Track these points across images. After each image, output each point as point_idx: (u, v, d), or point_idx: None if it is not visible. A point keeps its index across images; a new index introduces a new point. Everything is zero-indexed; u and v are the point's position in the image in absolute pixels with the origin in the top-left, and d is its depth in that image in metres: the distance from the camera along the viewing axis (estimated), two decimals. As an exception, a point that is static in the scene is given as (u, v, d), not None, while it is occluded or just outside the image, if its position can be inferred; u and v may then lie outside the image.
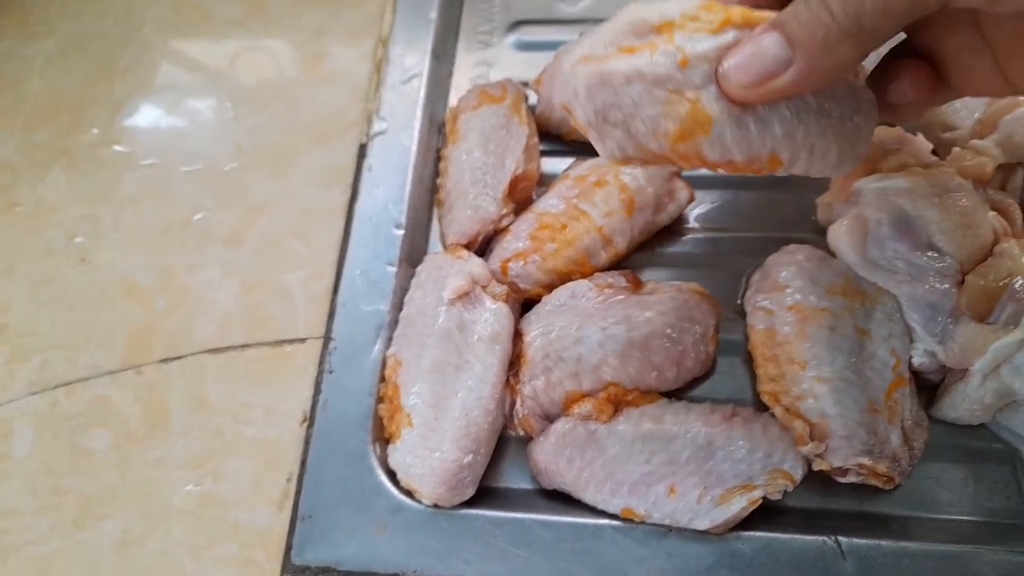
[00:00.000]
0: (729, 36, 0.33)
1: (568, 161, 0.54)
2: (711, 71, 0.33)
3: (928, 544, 0.42)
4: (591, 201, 0.50)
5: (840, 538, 0.43)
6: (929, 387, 0.46)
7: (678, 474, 0.43)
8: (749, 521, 0.43)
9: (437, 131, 0.57)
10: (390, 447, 0.46)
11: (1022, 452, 0.45)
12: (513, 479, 0.48)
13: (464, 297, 0.47)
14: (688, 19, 0.34)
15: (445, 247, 0.52)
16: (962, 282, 0.45)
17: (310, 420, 0.48)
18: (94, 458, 0.48)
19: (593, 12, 0.60)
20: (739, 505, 0.42)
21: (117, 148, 0.58)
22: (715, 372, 0.49)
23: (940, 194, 0.45)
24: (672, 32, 0.34)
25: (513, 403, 0.47)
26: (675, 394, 0.48)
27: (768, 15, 0.33)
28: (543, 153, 0.56)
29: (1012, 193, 0.49)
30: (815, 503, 0.46)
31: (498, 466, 0.48)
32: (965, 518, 0.44)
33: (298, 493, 0.47)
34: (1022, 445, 0.45)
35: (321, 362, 0.50)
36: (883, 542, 0.42)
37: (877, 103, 0.38)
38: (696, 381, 0.48)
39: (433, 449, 0.45)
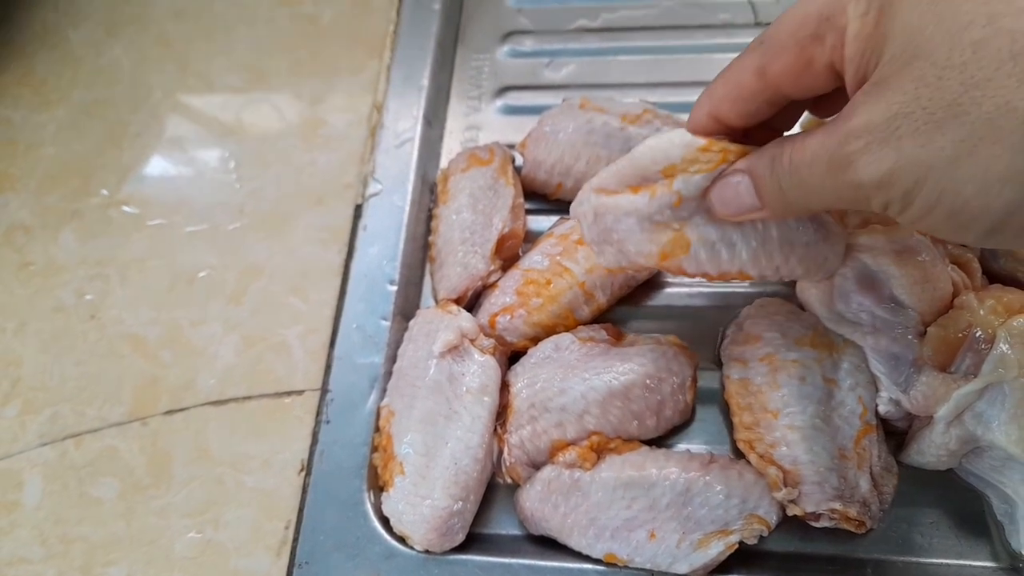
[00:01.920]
0: (719, 172, 0.39)
1: (553, 219, 0.57)
2: (699, 205, 0.40)
3: (898, 586, 0.44)
4: (573, 258, 0.52)
5: (814, 581, 0.44)
6: (898, 434, 0.49)
7: (658, 519, 0.45)
8: (728, 565, 0.45)
9: (429, 192, 0.60)
10: (384, 495, 0.49)
11: (987, 496, 0.47)
12: (502, 525, 0.50)
13: (453, 350, 0.50)
14: (688, 162, 0.39)
15: (436, 302, 0.55)
16: (924, 333, 0.47)
17: (307, 469, 0.50)
18: (101, 507, 0.50)
19: (576, 78, 0.64)
20: (716, 550, 0.44)
21: (125, 209, 0.61)
22: (694, 420, 0.51)
23: (900, 251, 0.48)
24: (674, 176, 0.40)
25: (501, 452, 0.49)
26: (656, 442, 0.50)
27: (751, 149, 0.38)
28: (529, 212, 0.59)
29: (971, 248, 0.51)
30: (792, 547, 0.47)
31: (488, 513, 0.50)
32: (937, 561, 0.46)
33: (295, 540, 0.49)
34: (987, 489, 0.47)
35: (318, 413, 0.52)
36: (855, 585, 0.44)
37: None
38: (676, 429, 0.51)
39: (424, 497, 0.47)
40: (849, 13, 0.31)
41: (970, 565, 0.46)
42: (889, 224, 0.49)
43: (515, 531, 0.49)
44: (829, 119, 0.34)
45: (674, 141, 0.39)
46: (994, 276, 0.51)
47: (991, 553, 0.46)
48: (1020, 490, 0.45)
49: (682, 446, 0.51)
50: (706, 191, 0.39)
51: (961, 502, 0.47)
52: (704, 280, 0.43)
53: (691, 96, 0.60)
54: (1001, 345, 0.44)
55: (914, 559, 0.46)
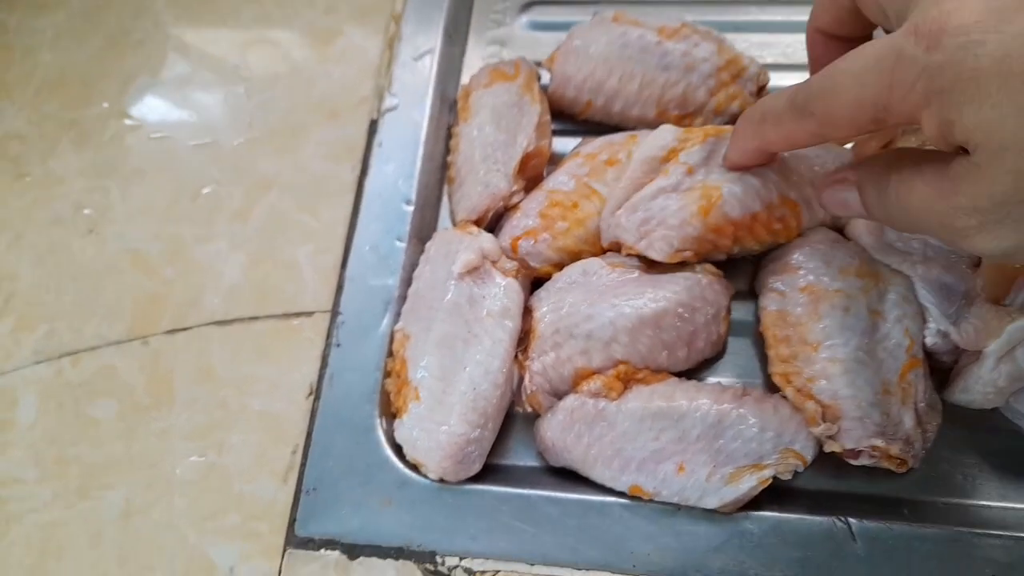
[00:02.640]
0: (710, 143, 0.47)
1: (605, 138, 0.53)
2: (706, 163, 0.46)
3: (940, 528, 0.42)
4: (602, 179, 0.49)
5: (851, 519, 0.42)
6: (942, 372, 0.46)
7: (687, 452, 0.43)
8: (758, 501, 0.43)
9: (449, 109, 0.56)
10: (396, 421, 0.46)
11: (1035, 436, 0.44)
12: (520, 456, 0.47)
13: (474, 272, 0.47)
14: (683, 142, 0.47)
15: (455, 224, 0.52)
16: (978, 264, 0.44)
17: (316, 393, 0.48)
18: (99, 428, 0.48)
19: (614, -7, 0.60)
20: (749, 484, 0.42)
21: (127, 121, 0.58)
22: (726, 353, 0.49)
23: (957, 175, 0.44)
24: (677, 154, 0.47)
25: (521, 379, 0.46)
26: (686, 375, 0.47)
27: (730, 128, 0.45)
28: (555, 132, 0.55)
29: None
30: (826, 485, 0.45)
31: (505, 443, 0.47)
32: (979, 503, 0.44)
33: (303, 466, 0.46)
34: (1036, 430, 0.44)
35: (329, 336, 0.49)
36: (894, 525, 0.42)
37: None
38: (707, 362, 0.48)
39: (440, 423, 0.44)
40: None
41: (1014, 508, 0.43)
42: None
43: (533, 462, 0.47)
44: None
45: (665, 133, 0.48)
46: None
47: (1036, 497, 0.44)
48: (1072, 431, 0.42)
49: (713, 379, 0.48)
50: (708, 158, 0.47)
51: (1006, 443, 0.45)
52: (757, 243, 0.47)
53: (729, 15, 0.58)
54: (1061, 277, 0.41)
55: (954, 500, 0.44)
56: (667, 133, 0.49)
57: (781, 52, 0.56)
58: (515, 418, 0.48)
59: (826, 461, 0.43)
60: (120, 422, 0.48)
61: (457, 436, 0.44)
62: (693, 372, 0.48)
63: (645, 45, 0.52)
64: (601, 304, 0.45)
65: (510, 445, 0.48)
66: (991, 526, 0.42)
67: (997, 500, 0.44)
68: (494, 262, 0.47)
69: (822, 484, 0.45)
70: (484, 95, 0.53)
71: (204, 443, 0.47)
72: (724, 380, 0.48)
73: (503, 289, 0.46)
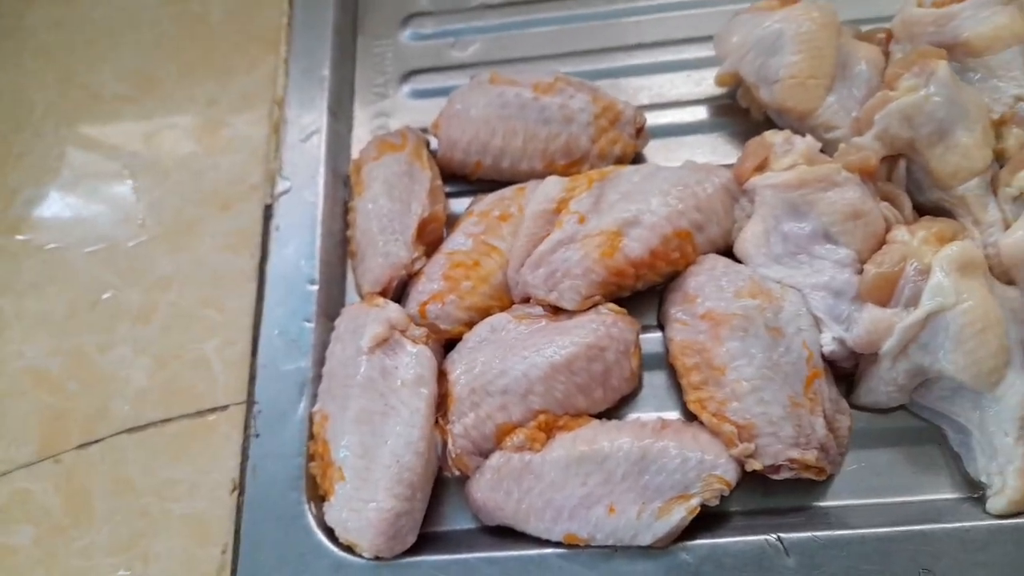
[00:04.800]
0: (596, 188, 0.49)
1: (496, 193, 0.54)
2: (596, 207, 0.49)
3: (865, 529, 0.43)
4: (499, 235, 0.50)
5: (782, 535, 0.43)
6: (847, 377, 0.48)
7: (615, 492, 0.43)
8: (694, 529, 0.44)
9: (343, 185, 0.57)
10: (325, 504, 0.45)
11: (942, 428, 0.46)
12: (456, 520, 0.47)
13: (384, 344, 0.47)
14: (570, 191, 0.50)
15: (362, 297, 0.52)
16: (861, 271, 0.46)
17: (240, 488, 0.47)
18: (17, 556, 0.46)
19: (483, 56, 0.62)
20: (679, 515, 0.43)
21: (17, 237, 0.57)
22: (642, 389, 0.50)
23: (828, 188, 0.47)
24: (567, 204, 0.49)
25: (445, 443, 0.46)
26: (606, 415, 0.48)
27: (612, 169, 0.51)
28: (449, 194, 0.56)
29: (898, 183, 0.51)
30: (757, 504, 0.46)
31: (439, 509, 0.47)
32: (899, 499, 0.45)
33: (234, 564, 0.45)
34: (941, 421, 0.46)
35: (246, 427, 0.49)
36: (819, 533, 0.43)
37: None
38: (625, 399, 0.49)
39: (367, 501, 0.44)
40: None
41: (931, 500, 0.45)
42: (815, 163, 0.48)
43: (470, 524, 0.47)
44: None
45: (551, 185, 0.50)
46: (923, 209, 0.51)
47: (952, 484, 0.45)
48: (972, 417, 0.44)
49: (633, 415, 0.49)
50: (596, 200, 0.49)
51: (917, 438, 0.47)
52: (655, 277, 0.49)
53: (599, 64, 0.60)
54: (937, 274, 0.44)
55: (875, 500, 0.45)
56: (553, 185, 0.50)
57: (656, 92, 0.59)
58: (447, 482, 0.48)
59: (755, 480, 0.45)
60: (38, 547, 0.47)
61: (386, 511, 0.43)
62: (614, 411, 0.49)
63: (523, 102, 0.53)
64: (512, 358, 0.46)
65: (445, 510, 0.47)
66: (913, 521, 0.43)
67: (915, 494, 0.45)
68: (403, 331, 0.48)
69: (753, 504, 0.46)
70: (375, 167, 0.54)
71: (129, 555, 0.46)
72: (645, 414, 0.49)
73: (414, 357, 0.46)
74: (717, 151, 0.56)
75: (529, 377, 0.45)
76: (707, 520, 0.44)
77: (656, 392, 0.50)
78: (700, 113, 0.58)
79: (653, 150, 0.57)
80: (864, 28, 0.57)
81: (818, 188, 0.47)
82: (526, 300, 0.49)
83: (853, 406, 0.47)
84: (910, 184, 0.51)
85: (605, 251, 0.47)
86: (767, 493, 0.46)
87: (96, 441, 0.49)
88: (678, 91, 0.59)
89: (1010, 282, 0.46)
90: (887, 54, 0.55)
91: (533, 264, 0.48)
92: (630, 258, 0.47)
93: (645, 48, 0.60)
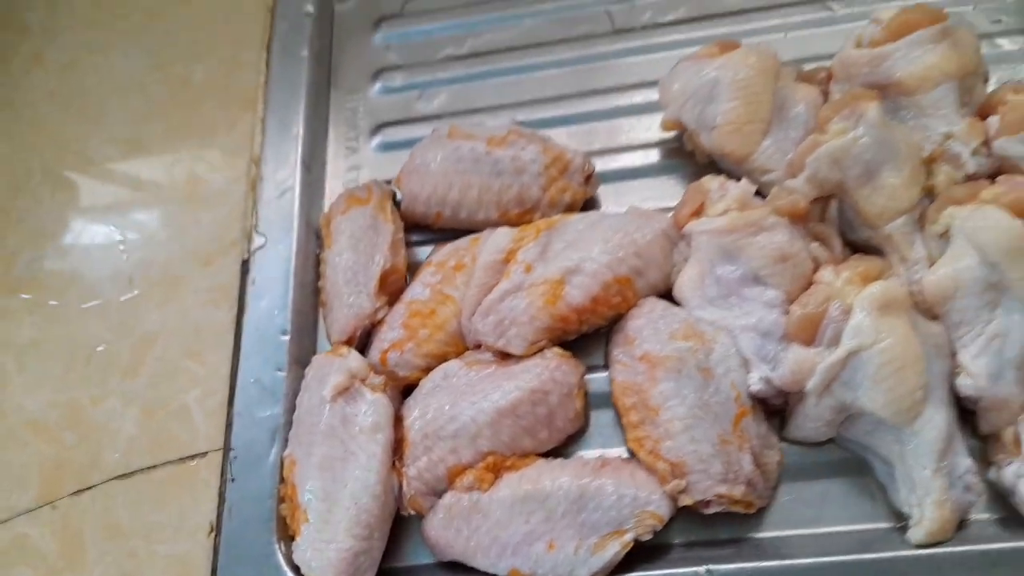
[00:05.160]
0: (544, 237, 0.53)
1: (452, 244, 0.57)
2: (543, 256, 0.52)
3: (790, 560, 0.45)
4: (453, 284, 0.54)
5: (711, 567, 0.46)
6: (780, 413, 0.50)
7: (555, 529, 0.47)
8: (632, 562, 0.47)
9: (315, 237, 0.61)
10: (293, 544, 0.49)
11: (869, 460, 0.49)
12: (416, 556, 0.51)
13: (345, 392, 0.51)
14: (518, 241, 0.53)
15: (331, 345, 0.56)
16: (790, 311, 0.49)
17: (217, 529, 0.51)
18: (16, 598, 0.51)
19: (448, 107, 0.65)
20: (613, 550, 0.46)
21: (22, 296, 0.62)
22: (589, 427, 0.53)
23: (757, 233, 0.49)
24: (515, 254, 0.53)
25: (401, 485, 0.50)
26: (554, 452, 0.51)
27: (559, 218, 0.54)
28: (416, 243, 0.60)
29: (830, 223, 0.53)
30: (696, 536, 0.49)
31: (399, 546, 0.51)
32: (830, 530, 0.48)
33: (212, 602, 0.49)
34: (867, 454, 0.49)
35: (223, 472, 0.53)
36: (746, 564, 0.45)
37: None
38: (572, 437, 0.52)
39: (329, 541, 0.48)
40: None
41: (862, 529, 0.47)
42: (746, 208, 0.51)
43: (428, 560, 0.50)
44: None
45: (500, 237, 0.54)
46: (855, 247, 0.53)
47: (879, 515, 0.48)
48: (894, 451, 0.47)
49: (580, 452, 0.52)
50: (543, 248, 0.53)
51: (847, 470, 0.49)
52: (597, 320, 0.52)
53: (559, 111, 0.63)
54: (858, 314, 0.46)
55: (806, 531, 0.48)
56: (502, 237, 0.53)
57: (608, 137, 0.62)
58: (406, 521, 0.51)
59: (693, 514, 0.47)
60: (38, 588, 0.51)
61: (345, 551, 0.47)
62: (561, 449, 0.52)
63: (477, 156, 0.56)
64: (462, 403, 0.49)
65: (405, 547, 0.51)
66: (839, 551, 0.46)
67: (846, 524, 0.48)
68: (363, 380, 0.51)
69: (690, 536, 0.49)
70: (342, 221, 0.58)
71: (117, 596, 0.50)
72: (590, 452, 0.52)
73: (372, 405, 0.50)
74: (666, 194, 0.59)
75: (477, 422, 0.49)
76: (647, 551, 0.47)
77: (602, 430, 0.52)
78: (651, 157, 0.60)
79: (606, 194, 0.60)
80: (807, 67, 0.59)
81: (747, 233, 0.50)
82: (478, 346, 0.53)
83: (785, 440, 0.50)
84: (842, 223, 0.53)
85: (549, 299, 0.51)
86: (706, 525, 0.49)
87: (89, 488, 0.53)
88: (629, 136, 0.61)
89: (935, 317, 0.48)
90: (827, 93, 0.57)
91: (483, 312, 0.52)
92: (572, 305, 0.51)
93: (599, 94, 0.63)
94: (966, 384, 0.47)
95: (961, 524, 0.46)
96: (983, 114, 0.54)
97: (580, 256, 0.51)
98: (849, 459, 0.49)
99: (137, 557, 0.51)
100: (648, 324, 0.51)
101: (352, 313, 0.54)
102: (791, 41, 0.63)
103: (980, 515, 0.47)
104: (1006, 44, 0.60)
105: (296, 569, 0.49)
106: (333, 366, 0.52)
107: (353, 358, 0.52)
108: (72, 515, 0.53)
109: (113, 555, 0.51)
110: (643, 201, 0.58)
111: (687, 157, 0.59)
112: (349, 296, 0.55)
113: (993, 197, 0.48)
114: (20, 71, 0.70)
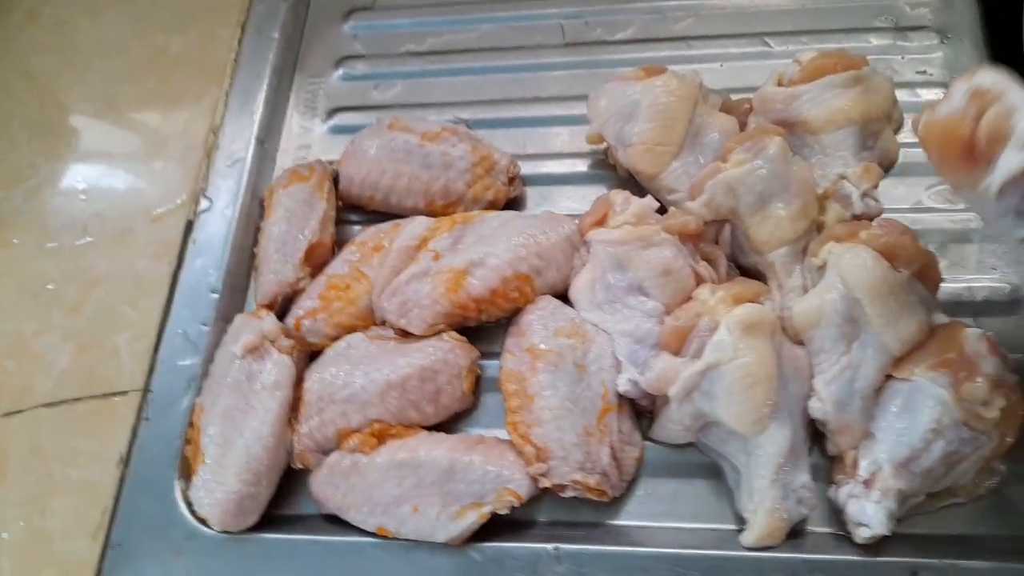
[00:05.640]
0: (457, 230, 0.57)
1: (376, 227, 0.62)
2: (453, 248, 0.56)
3: (630, 547, 0.49)
4: (369, 264, 0.58)
5: (560, 545, 0.50)
6: (650, 414, 0.54)
7: (422, 495, 0.51)
8: (492, 533, 0.51)
9: (260, 206, 0.65)
10: (191, 482, 0.54)
11: (721, 465, 0.52)
12: (302, 507, 0.55)
13: (255, 351, 0.55)
14: (432, 231, 0.57)
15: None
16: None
17: (126, 461, 0.56)
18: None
19: (400, 99, 0.69)
20: (470, 519, 0.50)
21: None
22: (480, 408, 0.57)
23: (647, 247, 0.53)
24: (428, 242, 0.57)
25: (294, 441, 0.54)
26: (441, 427, 0.55)
27: (477, 214, 0.58)
28: (352, 222, 0.64)
29: (723, 245, 0.57)
30: (559, 515, 0.53)
31: (290, 496, 0.55)
32: (677, 525, 0.52)
33: (110, 525, 0.54)
34: (720, 460, 0.52)
35: (140, 411, 0.57)
36: (590, 547, 0.50)
37: None
38: (460, 416, 0.56)
39: (220, 483, 0.52)
40: None
41: (706, 528, 0.51)
42: (641, 223, 0.54)
43: (312, 511, 0.55)
44: None
45: (416, 225, 0.58)
46: (743, 270, 0.57)
47: (727, 517, 0.51)
48: (741, 459, 0.50)
49: (468, 430, 0.56)
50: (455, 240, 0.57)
51: (703, 473, 0.53)
52: (496, 310, 0.56)
53: (500, 113, 0.67)
54: (722, 331, 0.49)
55: (657, 524, 0.52)
56: (418, 225, 0.58)
57: (541, 143, 0.65)
58: (301, 473, 0.55)
59: (552, 495, 0.51)
60: (-40, 496, 0.56)
61: (232, 493, 0.52)
62: (449, 424, 0.56)
63: (410, 148, 0.61)
64: (356, 372, 0.54)
65: (295, 498, 0.55)
66: (678, 545, 0.49)
67: (692, 522, 0.52)
68: (273, 342, 0.56)
69: (556, 515, 0.53)
70: (283, 195, 0.62)
71: (29, 509, 0.55)
72: (476, 430, 0.56)
73: (276, 364, 0.55)
74: (586, 201, 0.62)
75: (367, 390, 0.53)
76: (512, 524, 0.52)
77: (490, 412, 0.57)
78: (577, 166, 0.64)
79: (533, 196, 0.64)
80: (736, 96, 0.63)
81: (638, 246, 0.53)
82: (384, 323, 0.57)
83: (650, 440, 0.54)
84: (734, 247, 0.57)
85: (451, 287, 0.55)
86: (572, 508, 0.52)
87: (19, 411, 0.58)
88: (560, 144, 0.65)
89: (801, 343, 0.52)
90: (744, 124, 0.60)
91: (390, 293, 0.56)
92: (472, 295, 0.55)
93: (540, 101, 0.67)
94: (816, 407, 0.50)
95: (797, 534, 0.50)
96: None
97: (486, 251, 0.55)
98: (705, 463, 0.53)
99: (53, 479, 0.56)
100: (539, 320, 0.55)
101: (276, 280, 0.59)
102: (727, 71, 0.66)
103: (817, 528, 0.51)
104: (927, 95, 0.63)
105: (189, 504, 0.54)
106: (248, 326, 0.56)
107: (268, 321, 0.56)
108: (1, 434, 0.58)
109: (33, 475, 0.56)
110: (564, 207, 0.62)
111: (611, 169, 0.63)
112: (276, 264, 0.59)
113: (868, 238, 0.51)
114: (17, 25, 0.75)
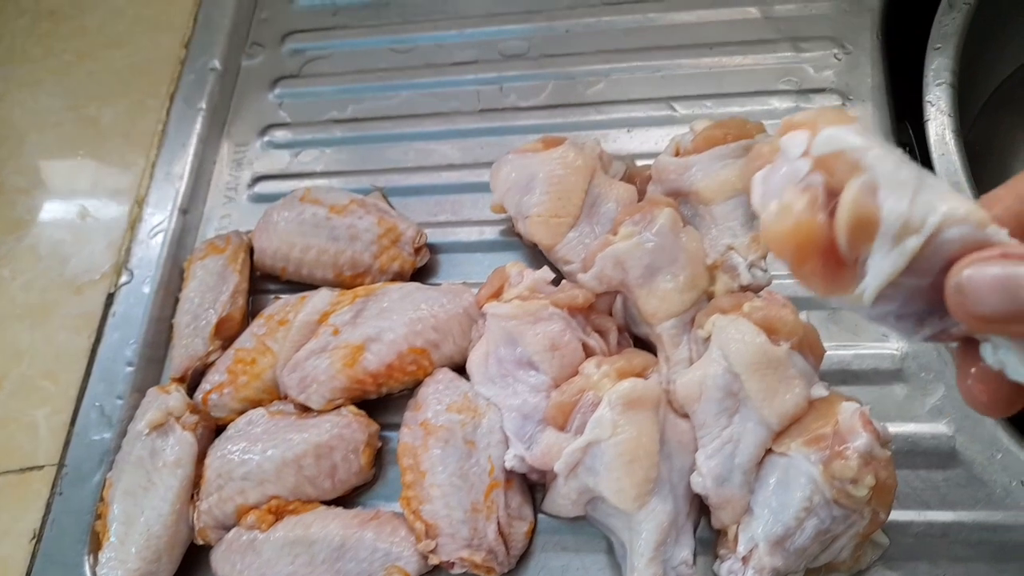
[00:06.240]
0: (359, 304, 0.58)
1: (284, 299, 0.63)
2: (353, 322, 0.57)
3: (516, 625, 0.50)
4: (274, 337, 0.59)
5: (446, 622, 0.51)
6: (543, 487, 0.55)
7: (314, 573, 0.52)
8: (388, 610, 0.52)
9: (180, 277, 0.67)
10: (98, 558, 0.55)
11: (610, 540, 0.53)
12: (206, 581, 0.56)
13: (159, 427, 0.57)
14: (334, 305, 0.59)
15: (172, 380, 0.62)
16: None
17: (39, 537, 0.57)
18: None
19: (319, 167, 0.71)
20: (356, 599, 0.51)
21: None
22: (385, 481, 0.58)
23: (536, 322, 0.54)
24: (328, 317, 0.58)
25: (194, 517, 0.56)
26: (340, 501, 0.56)
27: (380, 286, 0.59)
28: (268, 291, 0.66)
29: (617, 316, 0.58)
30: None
31: (197, 570, 0.56)
32: (564, 602, 0.52)
33: (19, 603, 0.56)
34: (607, 532, 0.53)
35: (54, 486, 0.59)
36: (475, 624, 0.50)
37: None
38: (361, 489, 0.57)
39: (123, 560, 0.54)
40: None
41: (593, 603, 0.52)
42: (530, 297, 0.55)
43: (216, 586, 0.56)
44: None
45: (319, 299, 0.59)
46: (637, 341, 0.57)
47: (613, 592, 0.52)
48: (624, 535, 0.51)
49: (371, 503, 0.57)
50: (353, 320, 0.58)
51: (594, 548, 0.54)
52: (389, 386, 0.58)
53: (414, 180, 0.68)
54: (603, 407, 0.50)
55: (545, 599, 0.52)
56: (321, 299, 0.59)
57: (452, 211, 0.67)
58: (206, 549, 0.57)
59: (441, 571, 0.52)
60: None
61: (133, 571, 0.53)
62: (350, 498, 0.57)
63: (318, 221, 0.62)
64: (254, 449, 0.55)
65: (198, 573, 0.56)
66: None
67: (579, 597, 0.52)
68: (178, 418, 0.57)
69: (442, 592, 0.54)
70: (198, 267, 0.64)
71: (-57, 588, 0.57)
72: (378, 503, 0.57)
73: (178, 441, 0.56)
74: (495, 268, 0.63)
75: (263, 468, 0.54)
76: (405, 601, 0.52)
77: (393, 483, 0.57)
78: (486, 233, 0.65)
79: (443, 264, 0.65)
80: (641, 162, 0.64)
81: (527, 321, 0.54)
82: (285, 398, 0.58)
83: (543, 513, 0.55)
84: (627, 317, 0.58)
85: (347, 362, 0.56)
86: (464, 584, 0.54)
87: (-61, 486, 0.60)
88: (470, 211, 0.66)
89: (686, 416, 0.53)
90: (643, 193, 0.62)
91: (290, 368, 0.57)
92: (368, 370, 0.56)
93: (453, 168, 0.68)
94: (697, 482, 0.51)
95: (683, 608, 0.51)
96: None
97: (383, 325, 0.57)
98: (597, 536, 0.54)
99: (-32, 554, 0.57)
100: (434, 393, 0.56)
101: (187, 353, 0.61)
102: (634, 135, 0.67)
103: (705, 602, 0.51)
104: (830, 157, 0.64)
105: (96, 581, 0.55)
106: (156, 401, 0.58)
107: (174, 397, 0.58)
108: (-79, 510, 0.59)
109: (-52, 550, 0.58)
110: (473, 275, 0.64)
111: (519, 237, 0.64)
112: (187, 337, 0.61)
113: (750, 310, 0.52)
114: (-43, 98, 0.78)
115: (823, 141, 0.29)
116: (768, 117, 0.61)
